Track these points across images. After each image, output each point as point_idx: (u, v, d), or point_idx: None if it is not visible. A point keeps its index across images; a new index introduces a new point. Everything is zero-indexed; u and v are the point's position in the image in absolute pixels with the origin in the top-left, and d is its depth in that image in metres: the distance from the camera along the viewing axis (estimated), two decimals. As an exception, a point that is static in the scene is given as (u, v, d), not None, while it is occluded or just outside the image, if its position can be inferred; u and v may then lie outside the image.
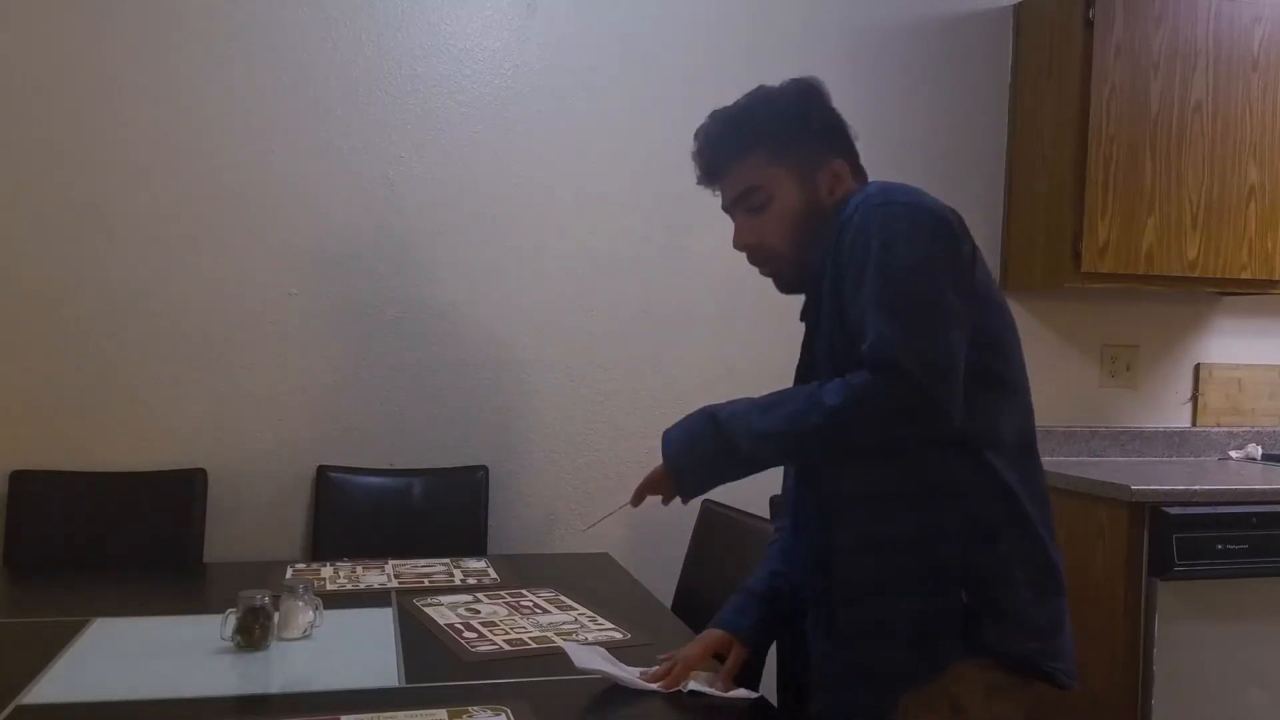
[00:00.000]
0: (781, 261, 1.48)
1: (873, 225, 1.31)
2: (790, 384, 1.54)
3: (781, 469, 1.58)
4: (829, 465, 1.38)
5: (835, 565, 1.38)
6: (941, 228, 1.32)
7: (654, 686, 1.44)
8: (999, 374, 1.37)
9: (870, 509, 1.35)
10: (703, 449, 1.39)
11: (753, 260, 1.51)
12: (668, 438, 1.44)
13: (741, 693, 1.46)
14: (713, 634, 1.54)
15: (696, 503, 2.47)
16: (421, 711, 1.36)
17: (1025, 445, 1.40)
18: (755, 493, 1.96)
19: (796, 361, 1.56)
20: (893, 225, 1.31)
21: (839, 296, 1.34)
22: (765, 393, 1.44)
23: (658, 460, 1.49)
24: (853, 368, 1.29)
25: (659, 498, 1.49)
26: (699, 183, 1.53)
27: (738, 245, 1.51)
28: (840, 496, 1.38)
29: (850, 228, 1.34)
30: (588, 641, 1.71)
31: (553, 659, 1.60)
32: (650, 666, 1.51)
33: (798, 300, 1.50)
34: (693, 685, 1.45)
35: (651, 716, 1.40)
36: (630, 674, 1.48)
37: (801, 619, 1.50)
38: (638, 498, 1.50)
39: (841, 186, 1.47)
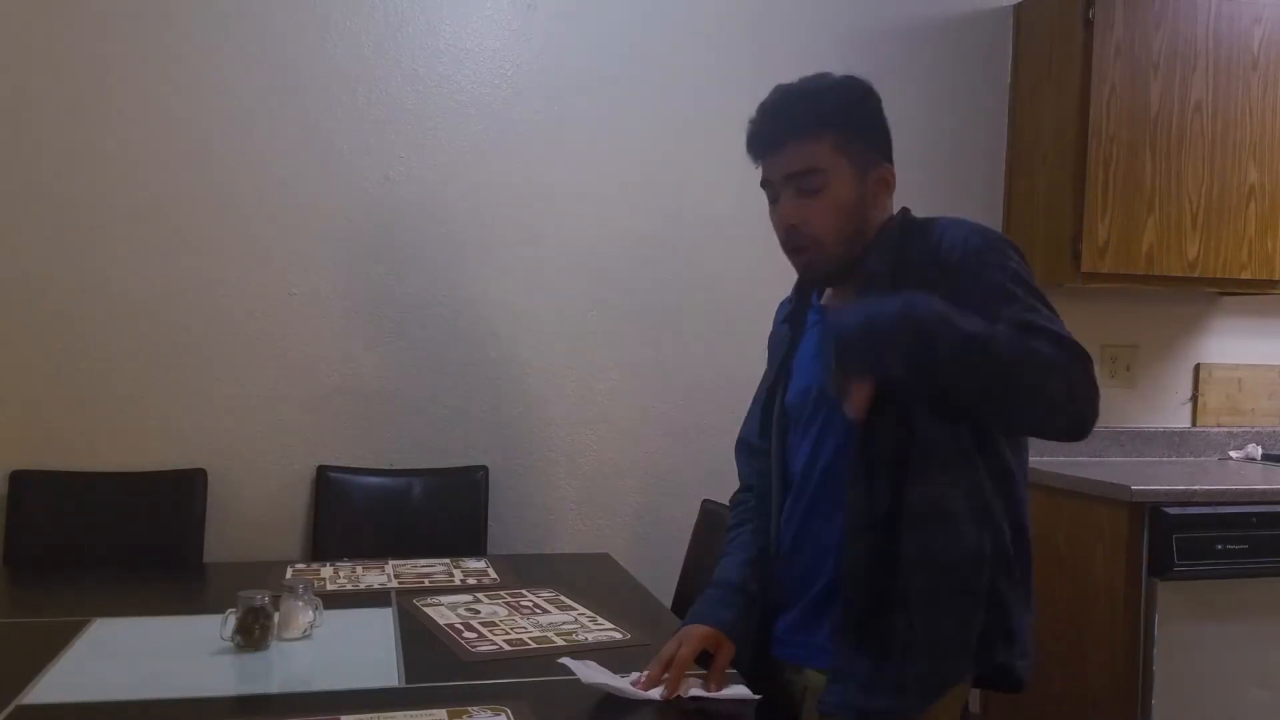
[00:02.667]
0: (819, 250, 1.43)
1: (1006, 244, 1.39)
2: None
3: None
4: (998, 414, 1.31)
5: (895, 573, 1.36)
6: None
7: (654, 695, 1.41)
8: None
9: (939, 524, 1.35)
10: (886, 330, 1.23)
11: (789, 244, 1.46)
12: (839, 318, 1.29)
13: (741, 692, 1.45)
14: (698, 630, 1.48)
15: (696, 502, 2.47)
16: (421, 711, 1.36)
17: (1026, 477, 1.47)
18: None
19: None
20: (1022, 259, 1.40)
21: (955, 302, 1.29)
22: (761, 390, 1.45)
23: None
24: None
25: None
26: (750, 149, 1.47)
27: (782, 224, 1.45)
28: (909, 505, 1.35)
29: (971, 243, 1.37)
30: (587, 642, 1.71)
31: (553, 659, 1.60)
32: (646, 671, 1.48)
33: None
34: (693, 690, 1.43)
35: (651, 716, 1.40)
36: (626, 684, 1.43)
37: (770, 608, 1.52)
38: None
39: (886, 193, 1.47)
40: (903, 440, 1.35)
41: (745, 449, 1.69)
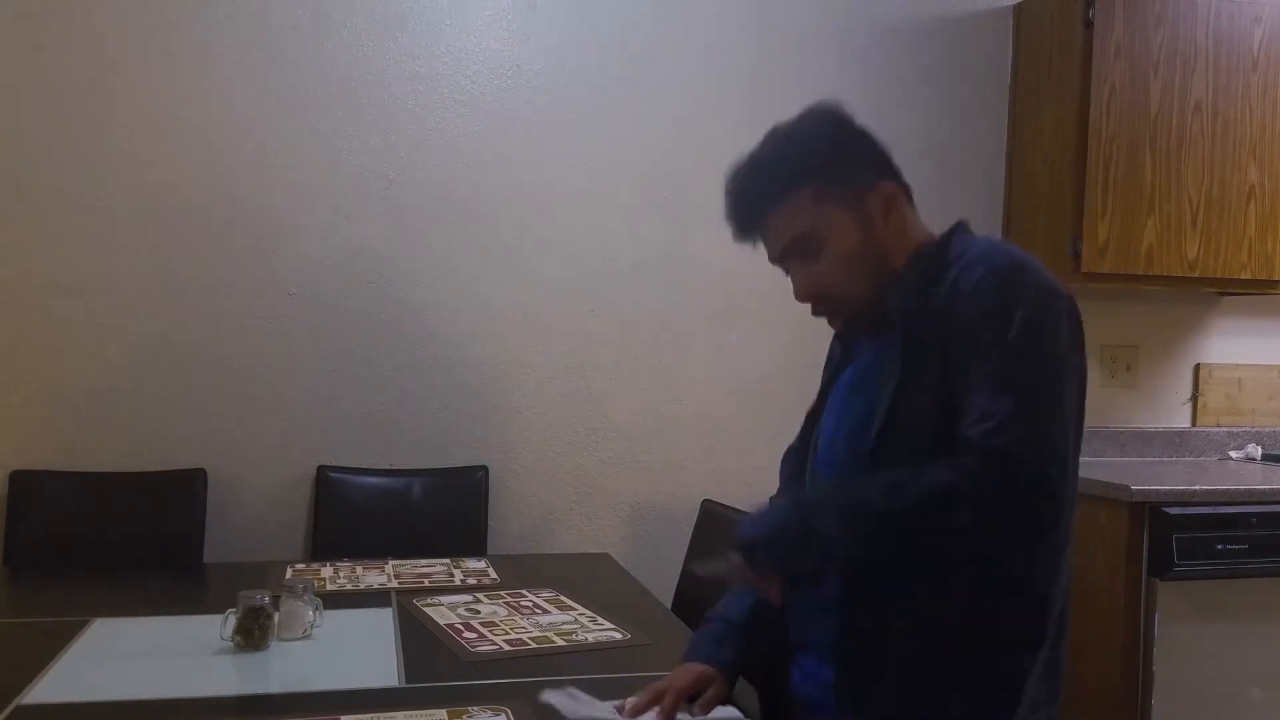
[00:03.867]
0: (848, 308, 1.35)
1: (1014, 298, 1.22)
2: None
3: None
4: (924, 561, 1.23)
5: (886, 644, 1.27)
6: (1079, 332, 1.28)
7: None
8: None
9: (934, 589, 1.25)
10: (783, 541, 1.28)
11: (817, 311, 1.38)
12: (744, 529, 1.33)
13: (731, 713, 1.37)
14: (694, 667, 1.41)
15: (696, 503, 2.47)
16: (421, 711, 1.36)
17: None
18: (755, 493, 1.96)
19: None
20: (1042, 309, 1.22)
21: (945, 358, 1.24)
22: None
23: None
24: (947, 440, 1.20)
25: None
26: (736, 239, 1.38)
27: (801, 298, 1.36)
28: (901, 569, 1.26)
29: (980, 291, 1.23)
30: (587, 641, 1.71)
31: (553, 659, 1.60)
32: (646, 672, 1.47)
33: (795, 302, 1.39)
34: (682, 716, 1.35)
35: (649, 715, 1.40)
36: (610, 710, 1.36)
37: (782, 657, 1.43)
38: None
39: (897, 210, 1.34)
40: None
41: (790, 461, 1.55)
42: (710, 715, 1.37)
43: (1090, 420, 3.48)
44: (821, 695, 1.33)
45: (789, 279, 1.38)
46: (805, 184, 1.31)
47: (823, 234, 1.31)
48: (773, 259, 1.38)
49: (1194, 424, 3.30)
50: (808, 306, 1.40)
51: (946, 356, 1.23)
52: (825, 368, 1.53)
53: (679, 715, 1.36)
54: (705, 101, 2.88)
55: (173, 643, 1.70)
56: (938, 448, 1.20)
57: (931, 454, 1.21)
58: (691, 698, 1.37)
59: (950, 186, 3.06)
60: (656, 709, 1.33)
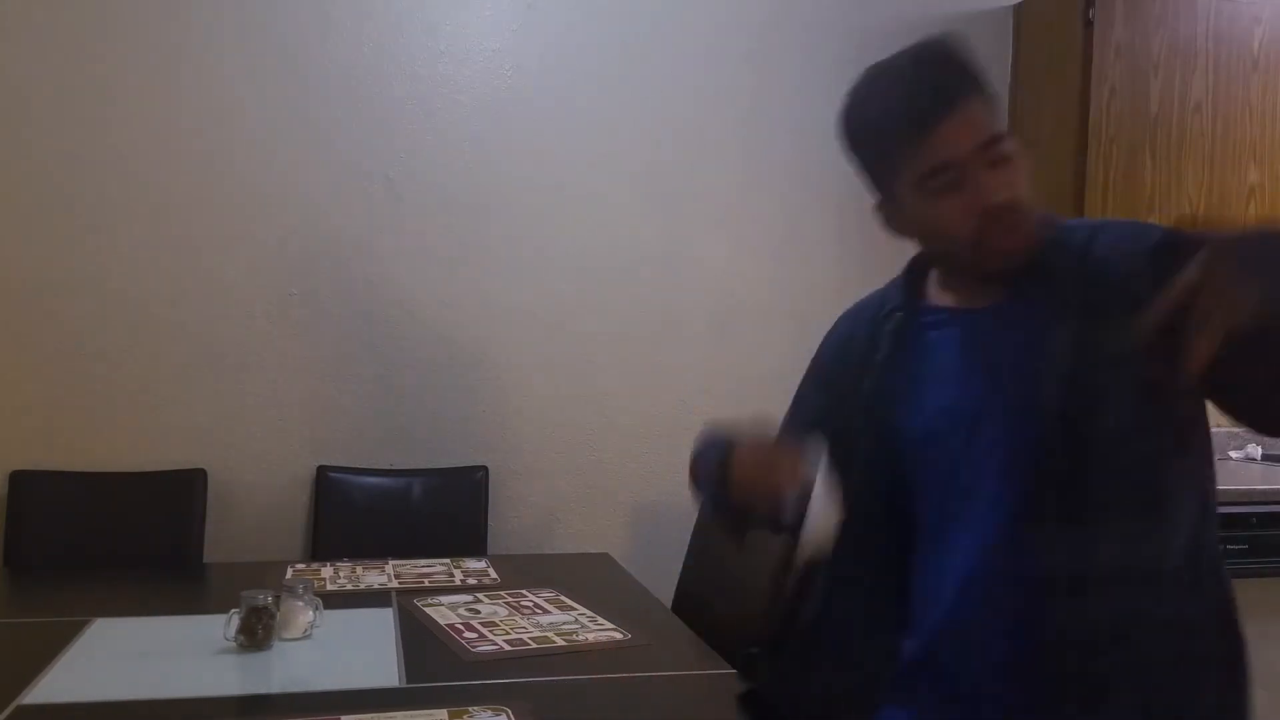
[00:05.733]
0: (1029, 231, 1.14)
1: (1155, 227, 1.15)
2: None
3: None
4: None
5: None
6: None
7: None
8: None
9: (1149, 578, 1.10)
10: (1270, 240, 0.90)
11: (996, 228, 1.10)
12: (1224, 241, 0.89)
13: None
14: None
15: (696, 503, 2.47)
16: (421, 711, 1.36)
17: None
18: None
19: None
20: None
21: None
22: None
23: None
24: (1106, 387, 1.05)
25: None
26: (908, 125, 1.10)
27: (996, 201, 1.09)
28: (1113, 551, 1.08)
29: (1125, 240, 1.14)
30: (587, 641, 1.71)
31: (553, 659, 1.60)
32: (646, 671, 1.46)
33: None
34: None
35: (650, 716, 1.40)
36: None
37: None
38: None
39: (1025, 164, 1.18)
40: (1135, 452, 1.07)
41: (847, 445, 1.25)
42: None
43: (1090, 420, 3.40)
44: None
45: (941, 195, 1.10)
46: (981, 91, 1.13)
47: (1010, 147, 1.11)
48: (952, 155, 1.08)
49: (1194, 424, 3.29)
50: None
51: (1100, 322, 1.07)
52: (843, 369, 1.27)
53: None
54: (705, 101, 2.88)
55: (172, 643, 1.70)
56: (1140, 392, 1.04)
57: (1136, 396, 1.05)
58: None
59: (950, 186, 3.05)
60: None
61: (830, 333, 1.34)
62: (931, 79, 1.13)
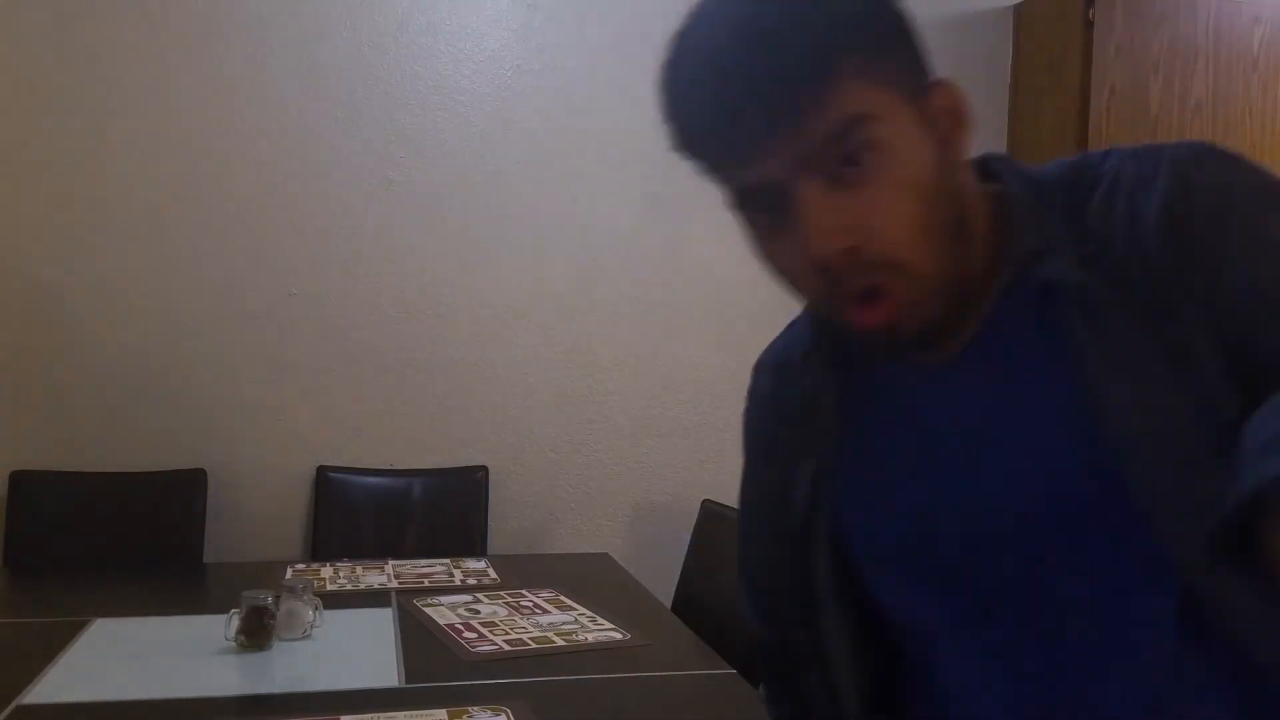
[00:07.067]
0: (904, 283, 0.69)
1: (1227, 174, 0.70)
2: None
3: None
4: None
5: None
6: None
7: None
8: None
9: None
10: None
11: (840, 286, 0.70)
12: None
13: None
14: None
15: (696, 503, 2.47)
16: (421, 711, 1.36)
17: None
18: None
19: None
20: (1257, 170, 0.70)
21: (1159, 326, 0.67)
22: None
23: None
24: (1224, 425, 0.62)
25: None
26: (703, 151, 0.79)
27: (826, 245, 0.68)
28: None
29: (1179, 200, 0.68)
30: (587, 641, 1.71)
31: (553, 659, 1.60)
32: (646, 671, 1.46)
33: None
34: None
35: (650, 716, 1.40)
36: None
37: None
38: None
39: (961, 132, 0.76)
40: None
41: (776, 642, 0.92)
42: None
43: (1090, 420, 3.44)
44: None
45: (761, 232, 0.74)
46: (850, 54, 0.71)
47: (881, 129, 0.70)
48: (769, 177, 0.71)
49: (1194, 424, 3.29)
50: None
51: (1161, 323, 0.68)
52: (780, 452, 0.92)
53: None
54: (705, 101, 2.87)
55: (173, 643, 1.70)
56: (1211, 442, 0.64)
57: (1209, 453, 0.64)
58: None
59: (950, 186, 3.05)
60: None
61: (751, 398, 0.97)
62: (756, 74, 0.71)
